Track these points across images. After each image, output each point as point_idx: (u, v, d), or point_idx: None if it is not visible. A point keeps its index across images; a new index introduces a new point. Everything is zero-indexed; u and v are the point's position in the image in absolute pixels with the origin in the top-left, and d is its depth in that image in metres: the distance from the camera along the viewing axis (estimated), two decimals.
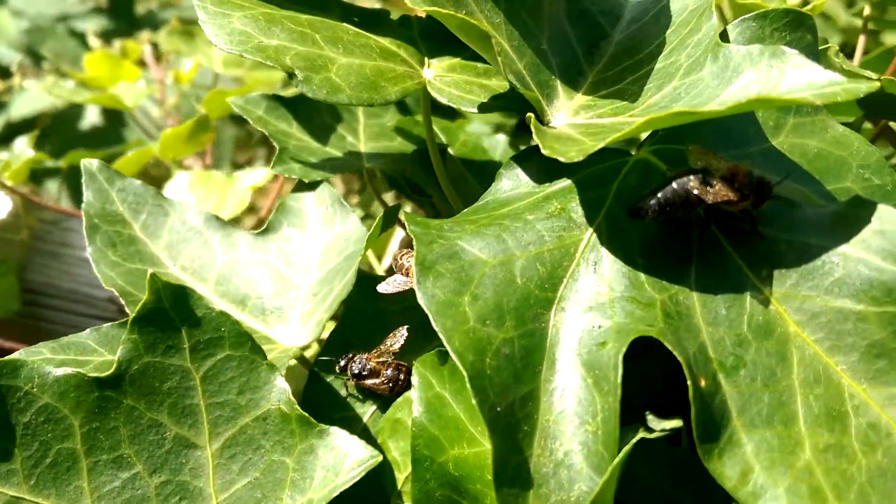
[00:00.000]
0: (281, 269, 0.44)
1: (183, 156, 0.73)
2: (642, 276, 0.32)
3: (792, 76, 0.29)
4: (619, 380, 0.28)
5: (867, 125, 0.54)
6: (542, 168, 0.37)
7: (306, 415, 0.31)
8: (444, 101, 0.40)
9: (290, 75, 0.36)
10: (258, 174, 0.63)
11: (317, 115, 0.54)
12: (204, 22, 0.38)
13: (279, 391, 0.32)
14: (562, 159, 0.30)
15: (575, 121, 0.37)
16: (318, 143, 0.52)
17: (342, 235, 0.45)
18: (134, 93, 0.95)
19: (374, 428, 0.42)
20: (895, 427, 0.29)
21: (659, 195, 0.31)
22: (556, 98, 0.38)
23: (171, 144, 0.70)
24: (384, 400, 0.42)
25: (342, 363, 0.41)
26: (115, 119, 1.24)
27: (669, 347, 0.29)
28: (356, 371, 0.40)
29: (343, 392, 0.41)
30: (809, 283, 0.31)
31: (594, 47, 0.39)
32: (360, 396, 0.42)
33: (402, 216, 0.34)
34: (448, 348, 0.29)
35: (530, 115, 0.33)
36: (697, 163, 0.32)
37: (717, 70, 0.32)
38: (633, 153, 0.36)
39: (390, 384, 0.40)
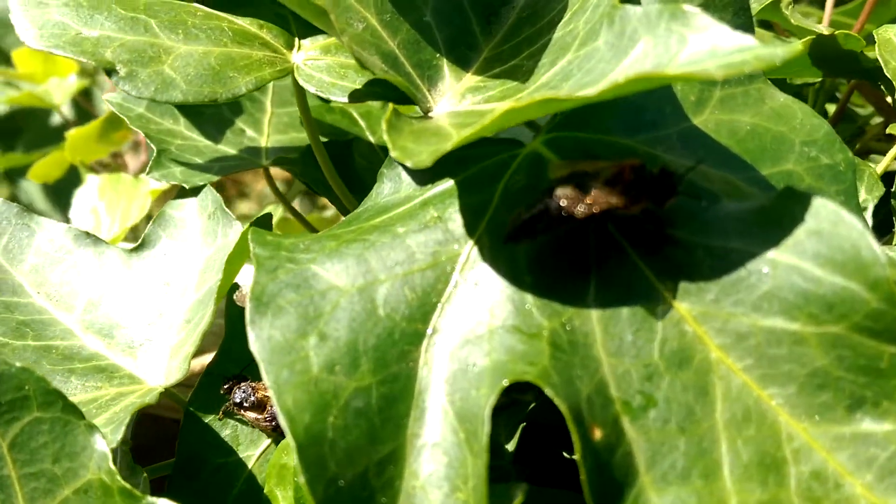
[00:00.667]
0: (156, 290, 0.38)
1: (95, 157, 0.67)
2: (529, 298, 0.26)
3: (694, 43, 0.22)
4: (487, 438, 0.23)
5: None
6: (428, 168, 0.31)
7: (129, 487, 0.26)
8: (311, 89, 0.34)
9: (110, 73, 0.30)
10: None
11: (209, 108, 0.48)
12: (16, 14, 0.31)
13: (99, 457, 0.26)
14: (409, 164, 0.24)
15: (459, 107, 0.30)
16: (208, 140, 0.46)
17: (224, 249, 0.39)
18: (64, 89, 0.89)
19: (262, 474, 0.36)
20: (846, 476, 0.23)
21: (530, 211, 0.25)
22: (441, 80, 0.32)
23: (79, 145, 0.64)
24: (275, 439, 0.36)
25: (226, 386, 0.35)
26: (89, 116, 1.18)
27: (550, 394, 0.23)
28: (238, 400, 0.34)
29: (225, 431, 0.36)
30: (733, 298, 0.25)
31: (493, 16, 0.33)
32: (243, 434, 0.36)
33: (249, 235, 0.28)
34: (277, 409, 0.23)
35: (391, 104, 0.27)
36: (558, 177, 0.26)
37: (612, 38, 0.26)
38: (525, 145, 0.30)
39: (273, 422, 0.35)
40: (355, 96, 0.32)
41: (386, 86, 0.33)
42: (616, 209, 0.25)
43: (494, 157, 0.29)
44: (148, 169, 0.42)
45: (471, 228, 0.28)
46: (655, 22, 0.24)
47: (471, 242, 0.27)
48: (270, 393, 0.23)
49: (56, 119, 1.26)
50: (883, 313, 0.22)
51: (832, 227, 0.23)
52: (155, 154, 0.43)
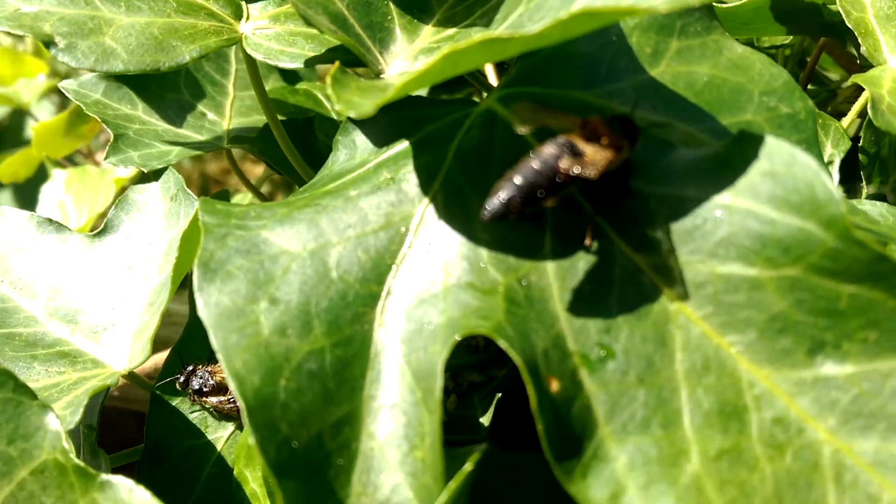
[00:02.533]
0: (119, 275, 0.38)
1: (64, 152, 0.66)
2: (485, 254, 0.25)
3: None
4: (440, 393, 0.22)
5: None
6: (382, 131, 0.30)
7: (83, 465, 0.25)
8: (259, 57, 0.33)
9: (48, 45, 0.29)
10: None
11: (170, 93, 0.47)
12: None
13: (53, 437, 0.26)
14: (352, 114, 0.23)
15: (412, 68, 0.30)
16: (167, 124, 0.45)
17: None
18: (32, 89, 0.87)
19: (231, 456, 0.35)
20: (808, 421, 0.23)
21: (518, 182, 0.24)
22: (393, 42, 0.31)
23: (46, 140, 0.63)
24: (239, 424, 0.36)
25: (182, 378, 0.34)
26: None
27: (504, 346, 0.22)
28: (196, 387, 0.34)
29: (193, 413, 0.35)
30: (689, 247, 0.24)
31: None
32: (213, 417, 0.36)
33: (198, 206, 0.27)
34: (226, 372, 0.22)
35: (338, 62, 0.26)
36: (523, 126, 0.25)
37: None
38: (478, 104, 0.29)
39: (237, 404, 0.34)
40: (310, 63, 0.32)
41: (338, 51, 0.33)
42: (612, 165, 0.24)
43: (448, 117, 0.28)
44: (105, 154, 0.41)
45: (425, 188, 0.27)
46: None
47: (425, 202, 0.27)
48: (219, 357, 0.23)
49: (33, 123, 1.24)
50: (840, 252, 0.22)
51: (786, 167, 0.23)
52: (112, 139, 0.42)
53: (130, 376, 0.34)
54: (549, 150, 0.24)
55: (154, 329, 0.33)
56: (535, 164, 0.24)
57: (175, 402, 0.36)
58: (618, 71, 0.29)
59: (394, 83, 0.24)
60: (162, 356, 0.42)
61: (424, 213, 0.26)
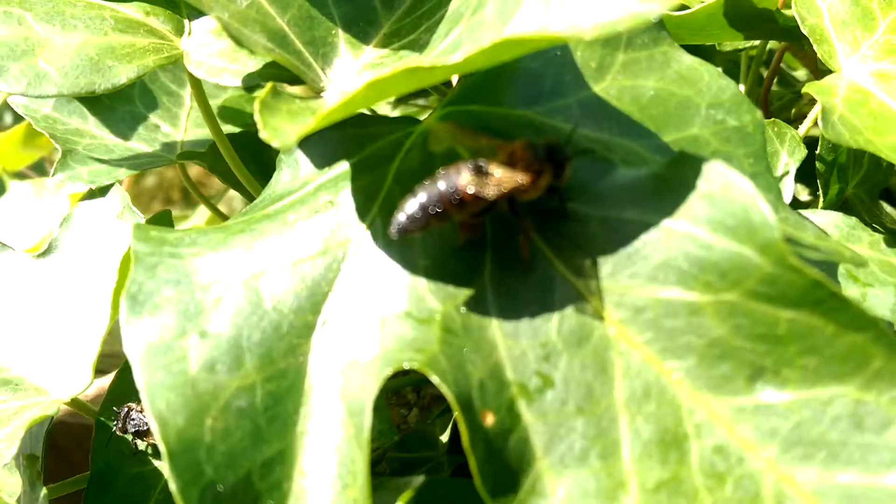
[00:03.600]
0: (62, 297, 0.37)
1: (22, 164, 0.64)
2: (423, 282, 0.25)
3: (570, 4, 0.21)
4: (369, 432, 0.22)
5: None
6: (324, 151, 0.29)
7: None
8: (201, 75, 0.32)
9: None
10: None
11: (123, 105, 0.46)
12: None
13: None
14: (275, 144, 0.22)
15: (356, 84, 0.29)
16: (118, 138, 0.44)
17: None
18: None
19: None
20: (749, 449, 0.22)
21: (420, 199, 0.23)
22: (337, 57, 0.30)
23: (2, 152, 0.62)
24: None
25: (119, 424, 0.34)
26: None
27: (436, 381, 0.22)
28: (134, 429, 0.33)
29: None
30: (629, 270, 0.24)
31: None
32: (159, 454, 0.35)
33: (131, 231, 0.26)
34: (148, 414, 0.22)
35: (271, 83, 0.26)
36: (438, 144, 0.24)
37: (499, 4, 0.25)
38: (421, 122, 0.28)
39: None
40: (248, 80, 0.31)
41: (280, 67, 0.32)
42: (523, 190, 0.23)
43: (390, 136, 0.28)
44: (53, 170, 0.40)
45: (363, 212, 0.26)
46: None
47: (363, 226, 0.26)
48: (142, 397, 0.22)
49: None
50: (776, 277, 0.21)
51: (723, 190, 0.22)
52: (60, 154, 0.41)
53: (73, 403, 0.34)
54: (455, 168, 0.23)
55: (96, 355, 0.32)
56: (440, 180, 0.24)
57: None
58: (562, 87, 0.28)
59: (318, 111, 0.23)
60: (108, 379, 0.41)
61: (363, 238, 0.26)
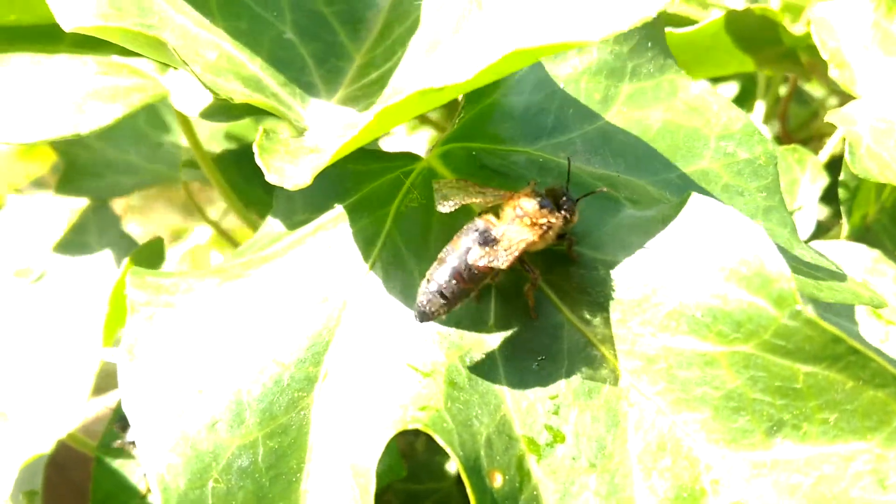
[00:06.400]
0: (54, 326, 0.36)
1: (21, 179, 0.64)
2: (426, 329, 0.24)
3: (569, 8, 0.20)
4: (372, 492, 0.21)
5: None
6: (322, 188, 0.28)
7: None
8: (188, 112, 0.31)
9: None
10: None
11: (123, 120, 0.45)
12: None
13: None
14: (288, 186, 0.21)
15: (338, 122, 0.28)
16: (120, 152, 0.43)
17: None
18: None
19: None
20: None
21: (436, 286, 0.22)
22: (315, 95, 0.29)
23: (0, 170, 0.61)
24: None
25: (118, 424, 0.33)
26: None
27: (443, 443, 0.21)
28: (131, 438, 0.32)
29: (139, 470, 0.34)
30: (639, 318, 0.23)
31: (360, 22, 0.31)
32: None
33: (127, 276, 0.26)
34: (148, 477, 0.21)
35: (262, 127, 0.25)
36: (445, 204, 0.23)
37: (481, 21, 0.24)
38: (421, 159, 0.27)
39: None
40: (232, 115, 0.30)
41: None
42: (532, 245, 0.23)
43: (388, 175, 0.27)
44: (56, 187, 0.40)
45: (363, 256, 0.25)
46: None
47: (364, 271, 0.25)
48: (141, 459, 0.21)
49: None
50: (792, 330, 0.21)
51: (736, 238, 0.21)
52: (63, 169, 0.41)
53: (70, 437, 0.33)
54: (463, 242, 0.22)
55: (90, 389, 0.31)
56: (450, 261, 0.23)
57: (120, 459, 0.34)
58: (565, 121, 0.27)
59: (326, 148, 0.23)
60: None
61: (363, 284, 0.25)
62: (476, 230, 0.22)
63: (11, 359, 0.35)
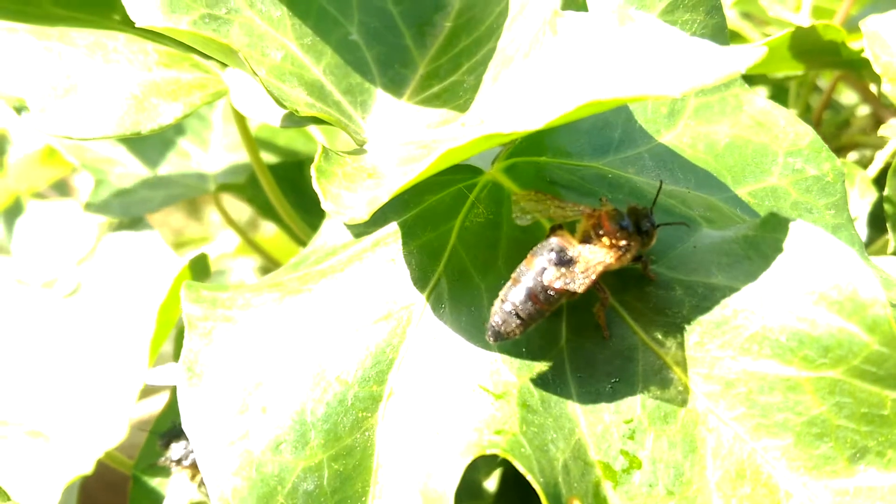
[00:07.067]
0: (91, 343, 0.35)
1: (41, 184, 0.63)
2: (496, 349, 0.23)
3: (647, 58, 0.20)
4: None
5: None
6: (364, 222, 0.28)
7: None
8: (248, 114, 0.31)
9: (20, 110, 0.27)
10: None
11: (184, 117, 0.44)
12: None
13: None
14: (344, 220, 0.21)
15: (397, 137, 0.27)
16: (149, 166, 0.42)
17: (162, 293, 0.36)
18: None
19: None
20: None
21: (511, 306, 0.22)
22: (376, 104, 0.29)
23: (22, 171, 0.60)
24: None
25: (163, 441, 0.32)
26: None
27: (522, 470, 0.20)
28: (177, 456, 0.31)
29: (175, 497, 0.33)
30: (719, 341, 0.22)
31: (428, 25, 0.30)
32: (201, 493, 0.34)
33: (182, 291, 0.25)
34: (213, 500, 0.20)
35: (322, 146, 0.24)
36: (523, 217, 0.23)
37: (554, 52, 0.23)
38: (484, 172, 0.27)
39: None
40: (293, 120, 0.29)
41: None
42: (609, 268, 0.22)
43: (450, 188, 0.26)
44: (85, 204, 0.39)
45: (427, 271, 0.25)
46: (603, 34, 0.21)
47: (428, 287, 0.25)
48: (205, 481, 0.21)
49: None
50: (884, 357, 0.20)
51: (825, 260, 0.21)
52: (94, 186, 0.40)
53: (108, 457, 0.32)
54: (538, 262, 0.22)
55: (130, 407, 0.31)
56: (525, 281, 0.22)
57: (158, 478, 0.34)
58: (632, 135, 0.26)
59: (388, 178, 0.22)
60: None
61: (427, 300, 0.24)
62: (552, 249, 0.22)
63: (48, 376, 0.34)
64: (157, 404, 0.40)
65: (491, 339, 0.22)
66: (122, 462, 0.33)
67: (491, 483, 0.37)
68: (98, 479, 0.43)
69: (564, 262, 0.22)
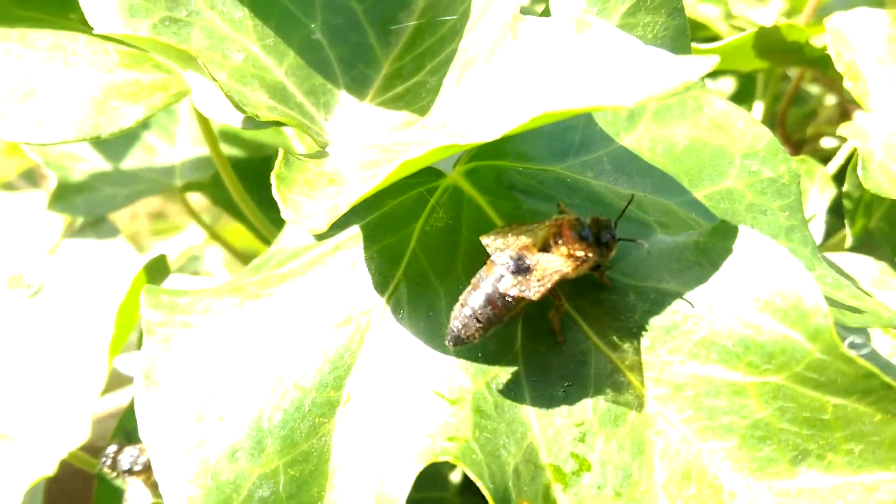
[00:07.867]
0: (53, 343, 0.35)
1: (9, 175, 0.62)
2: (452, 354, 0.23)
3: (603, 67, 0.20)
4: None
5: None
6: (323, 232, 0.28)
7: None
8: (209, 115, 0.30)
9: None
10: None
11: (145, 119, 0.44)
12: None
13: None
14: (304, 229, 0.21)
15: (361, 141, 0.27)
16: (114, 161, 0.42)
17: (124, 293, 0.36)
18: None
19: None
20: None
21: (469, 312, 0.22)
22: (338, 105, 0.29)
23: None
24: None
25: (111, 455, 0.32)
26: None
27: (472, 476, 0.21)
28: (126, 466, 0.32)
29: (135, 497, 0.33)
30: (669, 346, 0.23)
31: (391, 23, 0.30)
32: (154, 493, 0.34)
33: (142, 296, 0.25)
34: None
35: (282, 150, 0.24)
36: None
37: (513, 57, 0.23)
38: (445, 175, 0.27)
39: None
40: (254, 123, 0.29)
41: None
42: (566, 277, 0.22)
43: (410, 192, 0.26)
44: (48, 202, 0.39)
45: (386, 276, 0.25)
46: (560, 41, 0.21)
47: (387, 292, 0.25)
48: (161, 490, 0.21)
49: None
50: (826, 365, 0.21)
51: (771, 268, 0.21)
52: (56, 184, 0.40)
53: (72, 456, 0.32)
54: (497, 269, 0.22)
55: (91, 408, 0.31)
56: (484, 286, 0.22)
57: (119, 482, 0.34)
58: (592, 138, 0.27)
59: (349, 185, 0.22)
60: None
61: (386, 305, 0.25)
62: (511, 257, 0.22)
63: (10, 378, 0.34)
64: (124, 398, 0.41)
65: (451, 343, 0.22)
66: (87, 462, 0.33)
67: (455, 476, 0.38)
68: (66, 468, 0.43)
69: (522, 269, 0.22)
